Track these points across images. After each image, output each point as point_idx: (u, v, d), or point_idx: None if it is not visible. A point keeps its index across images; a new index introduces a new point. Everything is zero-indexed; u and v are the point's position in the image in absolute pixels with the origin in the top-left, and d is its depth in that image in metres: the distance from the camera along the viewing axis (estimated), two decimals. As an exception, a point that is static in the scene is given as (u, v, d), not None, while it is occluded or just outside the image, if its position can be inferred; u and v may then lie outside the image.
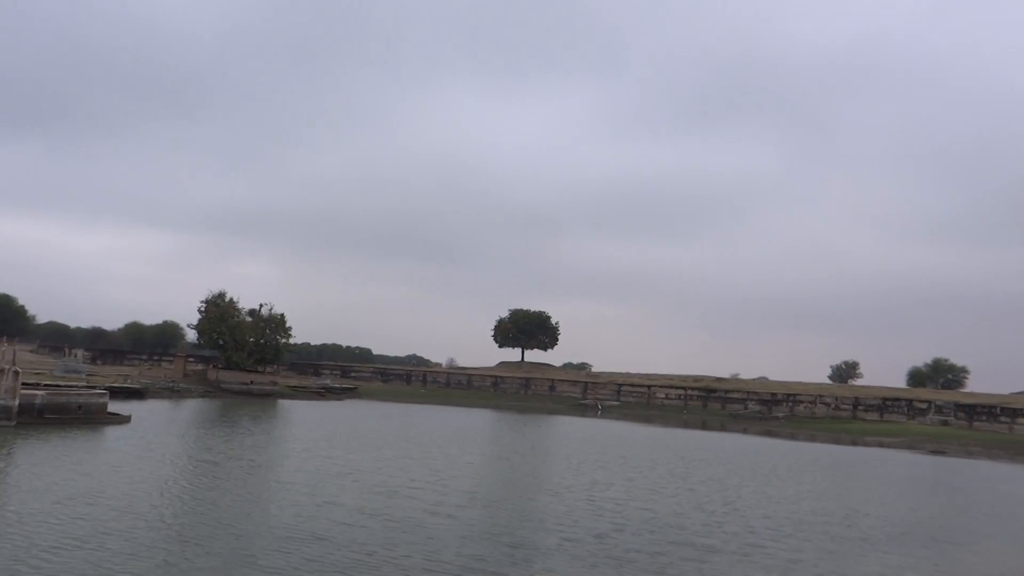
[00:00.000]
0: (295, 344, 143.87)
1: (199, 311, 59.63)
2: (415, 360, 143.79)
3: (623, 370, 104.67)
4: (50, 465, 19.64)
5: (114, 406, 41.06)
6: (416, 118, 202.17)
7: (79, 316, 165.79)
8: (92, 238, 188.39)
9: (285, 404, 54.15)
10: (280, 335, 63.23)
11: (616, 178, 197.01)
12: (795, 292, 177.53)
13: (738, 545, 14.73)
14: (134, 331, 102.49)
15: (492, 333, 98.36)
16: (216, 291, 60.42)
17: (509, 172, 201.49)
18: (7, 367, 27.76)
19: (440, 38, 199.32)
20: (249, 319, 60.94)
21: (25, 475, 17.95)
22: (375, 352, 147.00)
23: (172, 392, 52.47)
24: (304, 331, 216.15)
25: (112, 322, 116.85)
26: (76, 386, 34.81)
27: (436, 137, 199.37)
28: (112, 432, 28.51)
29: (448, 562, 12.15)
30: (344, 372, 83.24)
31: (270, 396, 58.91)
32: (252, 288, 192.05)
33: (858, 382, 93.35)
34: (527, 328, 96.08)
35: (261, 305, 62.76)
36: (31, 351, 74.84)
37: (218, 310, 58.79)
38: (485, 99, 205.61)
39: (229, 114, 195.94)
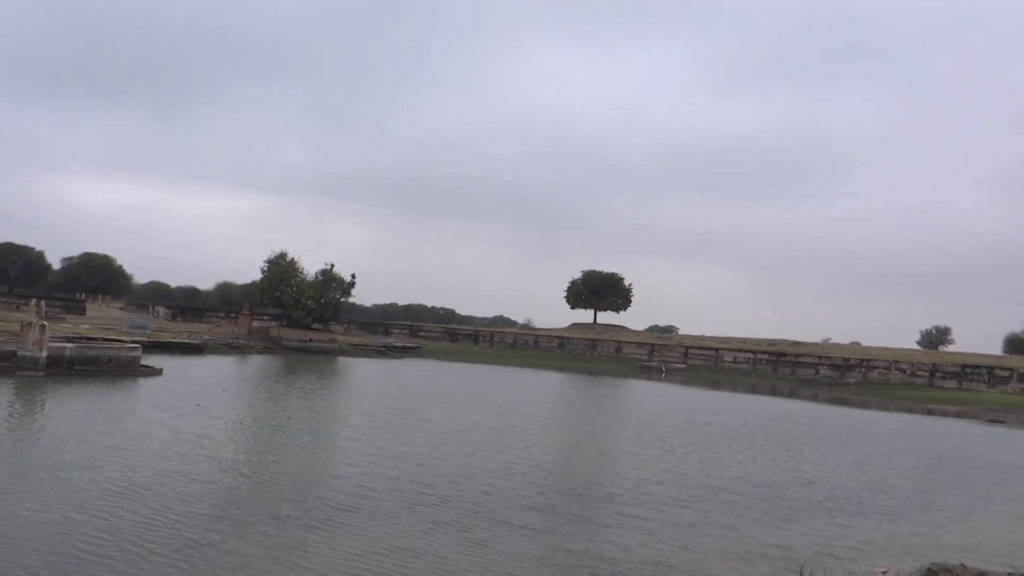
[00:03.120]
0: (382, 305, 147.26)
1: (261, 271, 61.77)
2: (501, 322, 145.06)
3: (709, 333, 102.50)
4: (77, 410, 20.86)
5: (172, 360, 43.33)
6: (504, 78, 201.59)
7: (179, 276, 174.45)
8: (193, 201, 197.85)
9: (341, 361, 55.69)
10: (340, 294, 64.71)
11: (705, 136, 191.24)
12: (891, 254, 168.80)
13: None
14: (224, 290, 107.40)
15: (564, 295, 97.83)
16: (278, 250, 62.34)
17: (597, 131, 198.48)
18: (35, 321, 29.47)
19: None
20: (310, 279, 62.66)
21: (53, 420, 19.05)
22: (460, 313, 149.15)
23: (232, 348, 54.65)
24: (392, 292, 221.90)
25: (209, 282, 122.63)
26: (109, 340, 36.65)
27: (524, 97, 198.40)
28: (143, 383, 30.00)
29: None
30: (413, 331, 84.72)
31: (328, 353, 60.60)
32: (344, 249, 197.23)
33: (949, 348, 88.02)
34: (599, 289, 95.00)
35: (331, 265, 64.42)
36: (120, 308, 79.72)
37: (279, 269, 60.70)
38: (573, 57, 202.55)
39: (321, 77, 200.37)
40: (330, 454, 16.96)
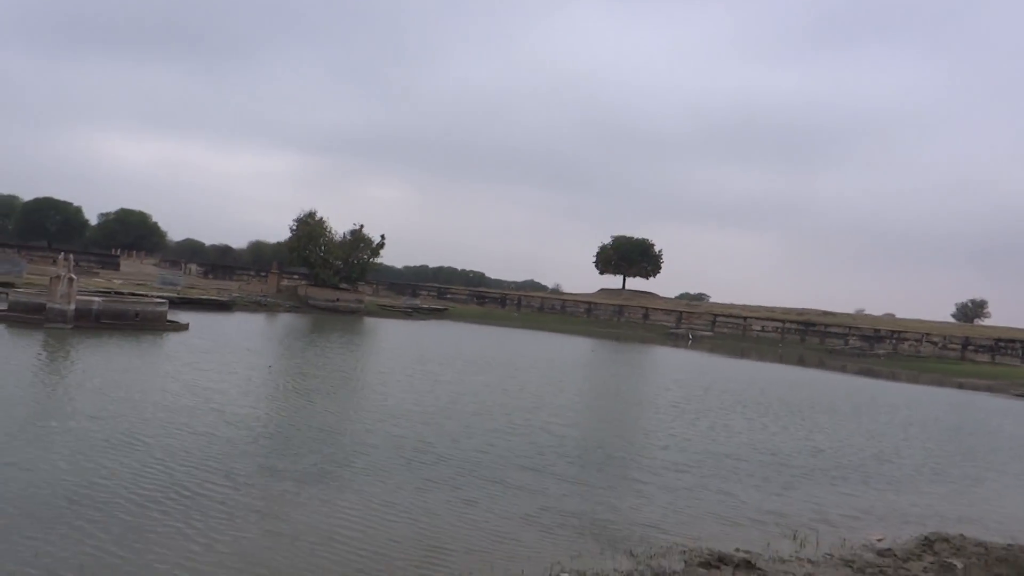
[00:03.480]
0: (412, 267, 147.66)
1: (290, 229, 62.30)
2: (530, 287, 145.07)
3: (741, 302, 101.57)
4: (97, 362, 21.39)
5: (200, 317, 44.09)
6: (540, 42, 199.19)
7: (213, 234, 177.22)
8: (228, 159, 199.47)
9: (367, 321, 56.22)
10: (368, 255, 65.16)
11: (743, 101, 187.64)
12: (929, 225, 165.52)
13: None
14: (256, 249, 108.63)
15: (594, 260, 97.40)
16: (307, 210, 62.75)
17: (633, 96, 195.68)
18: (64, 274, 30.06)
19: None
20: (338, 239, 63.09)
21: (73, 371, 19.58)
22: (489, 277, 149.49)
23: (260, 306, 55.44)
24: (423, 254, 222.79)
25: (242, 240, 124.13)
26: (137, 295, 37.27)
27: (559, 61, 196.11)
28: (169, 338, 30.57)
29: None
30: (440, 294, 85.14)
31: (355, 313, 61.23)
32: (377, 210, 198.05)
33: (985, 322, 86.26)
34: (629, 255, 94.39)
35: (362, 226, 64.81)
36: (154, 264, 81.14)
37: (307, 229, 61.17)
38: (610, 22, 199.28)
39: (357, 37, 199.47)
40: (337, 411, 17.12)
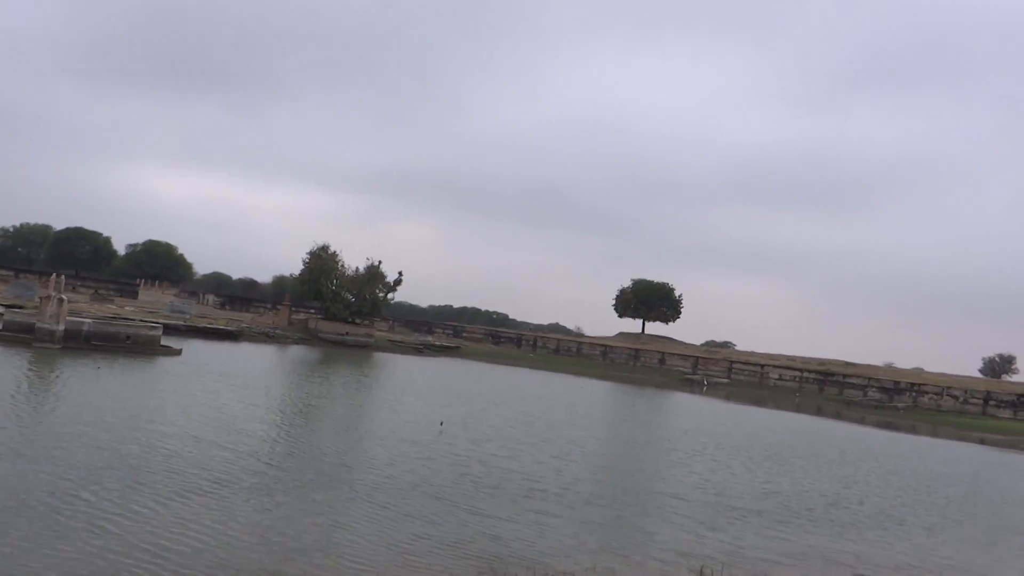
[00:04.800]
0: (437, 306, 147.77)
1: (303, 262, 62.70)
2: (556, 330, 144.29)
3: (767, 351, 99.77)
4: (75, 383, 21.47)
5: (204, 345, 44.44)
6: (569, 84, 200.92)
7: (241, 268, 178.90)
8: (259, 195, 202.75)
9: (374, 356, 56.11)
10: (383, 291, 65.30)
11: (773, 149, 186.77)
12: (961, 278, 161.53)
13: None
14: (279, 283, 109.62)
15: (613, 303, 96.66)
16: (320, 243, 63.18)
17: (661, 139, 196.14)
18: (54, 294, 30.46)
19: (593, 4, 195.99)
20: (351, 273, 63.38)
21: (47, 391, 19.65)
22: (513, 318, 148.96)
23: (268, 337, 55.67)
24: (448, 294, 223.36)
25: (269, 275, 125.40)
26: (130, 319, 37.60)
27: (585, 103, 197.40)
28: (160, 362, 30.71)
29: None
30: (456, 332, 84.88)
31: (364, 348, 61.15)
32: (405, 249, 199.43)
33: (1014, 378, 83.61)
34: (648, 299, 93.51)
35: (380, 262, 65.21)
36: (174, 294, 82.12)
37: (319, 262, 61.54)
38: (634, 65, 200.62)
39: (386, 77, 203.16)
40: (288, 437, 16.84)
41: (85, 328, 31.78)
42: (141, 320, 36.82)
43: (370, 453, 15.77)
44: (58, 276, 31.74)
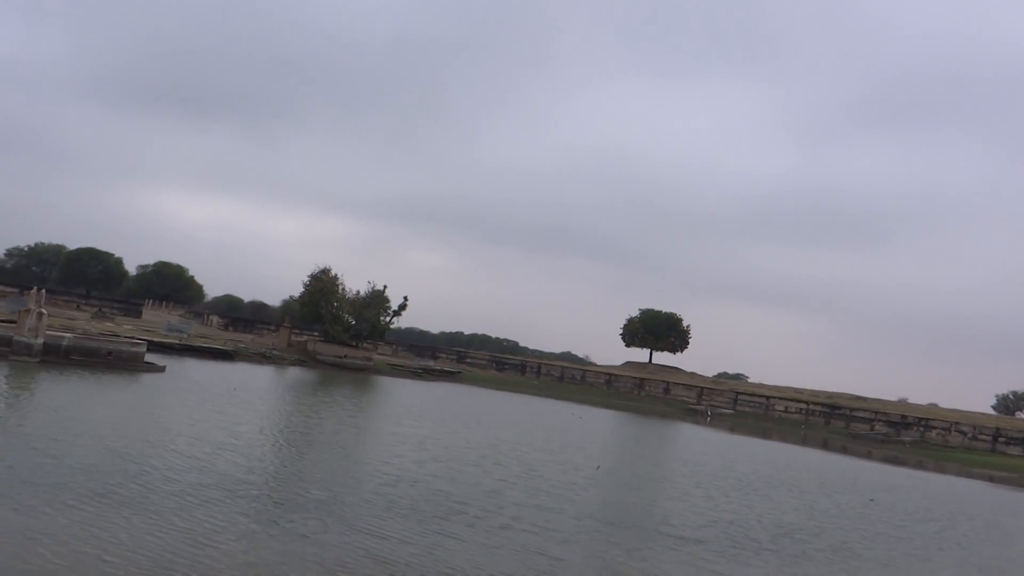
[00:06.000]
0: (449, 332, 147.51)
1: (304, 284, 62.80)
2: (568, 359, 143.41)
3: (780, 383, 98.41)
4: (43, 397, 21.35)
5: (198, 364, 44.51)
6: (577, 114, 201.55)
7: (254, 292, 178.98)
8: (273, 221, 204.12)
9: (371, 379, 55.76)
10: (385, 315, 65.16)
11: (789, 183, 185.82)
12: (978, 315, 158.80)
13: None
14: (288, 306, 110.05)
15: (620, 332, 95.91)
16: (322, 266, 63.28)
17: (676, 172, 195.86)
18: (33, 308, 30.49)
19: (606, 37, 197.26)
20: (351, 296, 63.36)
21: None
22: (524, 346, 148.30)
23: (264, 358, 55.57)
24: (460, 321, 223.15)
25: (280, 299, 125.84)
26: (113, 335, 37.61)
27: (596, 134, 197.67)
28: (142, 379, 30.61)
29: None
30: (460, 357, 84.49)
31: (362, 371, 60.87)
32: (417, 275, 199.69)
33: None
34: (656, 329, 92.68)
35: (385, 287, 65.20)
36: (180, 315, 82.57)
37: (319, 284, 61.57)
38: (648, 99, 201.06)
39: (402, 108, 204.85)
40: (243, 458, 16.50)
41: (65, 343, 31.78)
42: (126, 337, 36.78)
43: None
44: (39, 290, 31.78)
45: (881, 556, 15.35)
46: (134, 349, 34.40)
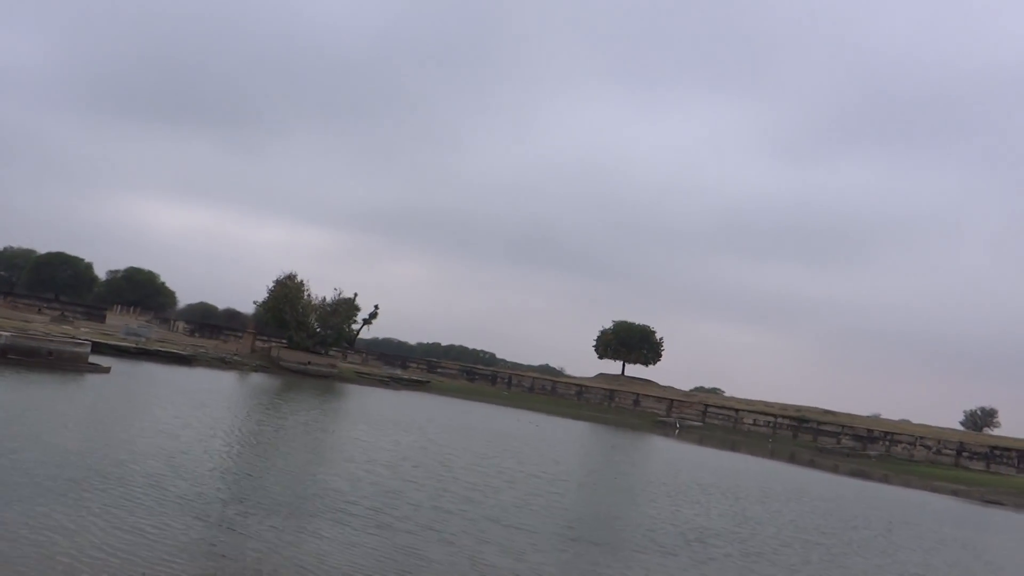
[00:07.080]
0: (426, 343, 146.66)
1: (268, 289, 62.10)
2: (547, 371, 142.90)
3: (750, 396, 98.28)
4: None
5: (152, 367, 43.81)
6: (562, 129, 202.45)
7: (229, 300, 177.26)
8: (251, 230, 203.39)
9: (334, 386, 55.07)
10: (352, 322, 64.52)
11: (764, 199, 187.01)
12: (949, 332, 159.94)
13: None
14: (258, 314, 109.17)
15: (594, 344, 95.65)
16: (287, 272, 62.65)
17: (653, 186, 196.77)
18: (-31, 306, 29.85)
19: (586, 49, 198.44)
20: (317, 302, 62.69)
21: None
22: (501, 358, 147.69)
23: (224, 363, 54.81)
24: (438, 332, 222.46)
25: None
26: (54, 335, 36.92)
27: (578, 147, 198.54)
28: (85, 379, 29.99)
29: None
30: (431, 367, 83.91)
31: (327, 378, 60.17)
32: (396, 287, 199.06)
33: (995, 431, 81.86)
34: (629, 341, 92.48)
35: (356, 294, 64.59)
36: (146, 321, 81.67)
37: (284, 290, 60.89)
38: (628, 112, 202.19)
39: (382, 117, 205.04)
40: (156, 458, 16.00)
41: (2, 341, 31.10)
42: (70, 337, 36.09)
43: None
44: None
45: (794, 561, 15.02)
46: (76, 349, 33.73)
